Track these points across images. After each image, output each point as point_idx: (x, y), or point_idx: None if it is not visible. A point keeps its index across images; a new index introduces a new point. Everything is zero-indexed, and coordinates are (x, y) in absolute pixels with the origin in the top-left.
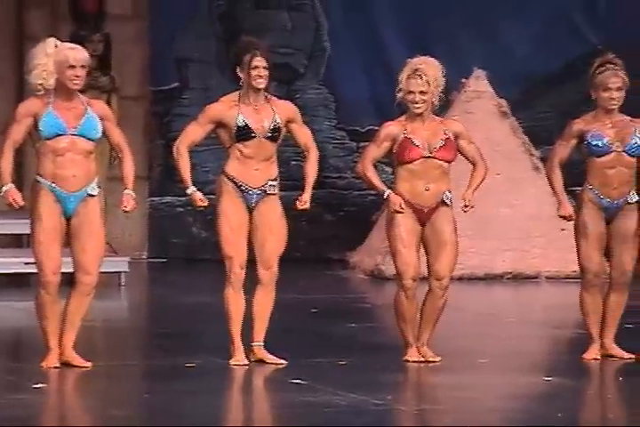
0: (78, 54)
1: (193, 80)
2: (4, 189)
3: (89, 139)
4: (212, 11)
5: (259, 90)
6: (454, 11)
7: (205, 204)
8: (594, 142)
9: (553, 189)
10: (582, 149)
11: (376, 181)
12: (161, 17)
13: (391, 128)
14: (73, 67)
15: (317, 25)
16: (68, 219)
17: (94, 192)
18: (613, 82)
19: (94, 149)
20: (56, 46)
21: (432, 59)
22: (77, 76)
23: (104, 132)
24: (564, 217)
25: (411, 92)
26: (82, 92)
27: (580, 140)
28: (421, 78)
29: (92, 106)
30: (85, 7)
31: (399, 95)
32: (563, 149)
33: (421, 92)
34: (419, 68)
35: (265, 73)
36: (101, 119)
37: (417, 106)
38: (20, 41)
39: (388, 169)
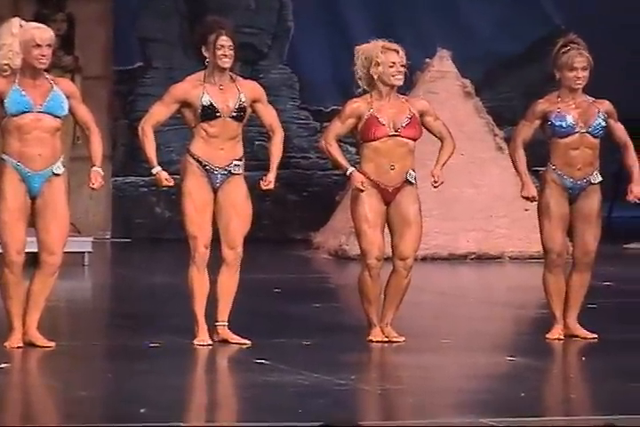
0: (44, 34)
1: (156, 60)
2: None
3: (55, 116)
4: None
5: (224, 69)
6: None
7: (171, 183)
8: (557, 123)
9: (516, 169)
10: (546, 129)
11: (339, 156)
12: None
13: (357, 105)
14: (39, 46)
15: (281, 5)
16: (33, 198)
17: (59, 171)
18: (579, 61)
19: (61, 127)
20: (21, 26)
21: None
22: (43, 56)
23: (70, 110)
24: (527, 198)
25: (393, 63)
26: (46, 71)
27: (543, 121)
28: (397, 52)
29: (59, 84)
30: None
31: (378, 70)
32: (526, 130)
33: (401, 64)
34: (385, 44)
35: (230, 52)
36: (67, 97)
37: (399, 77)
38: None
39: (352, 149)
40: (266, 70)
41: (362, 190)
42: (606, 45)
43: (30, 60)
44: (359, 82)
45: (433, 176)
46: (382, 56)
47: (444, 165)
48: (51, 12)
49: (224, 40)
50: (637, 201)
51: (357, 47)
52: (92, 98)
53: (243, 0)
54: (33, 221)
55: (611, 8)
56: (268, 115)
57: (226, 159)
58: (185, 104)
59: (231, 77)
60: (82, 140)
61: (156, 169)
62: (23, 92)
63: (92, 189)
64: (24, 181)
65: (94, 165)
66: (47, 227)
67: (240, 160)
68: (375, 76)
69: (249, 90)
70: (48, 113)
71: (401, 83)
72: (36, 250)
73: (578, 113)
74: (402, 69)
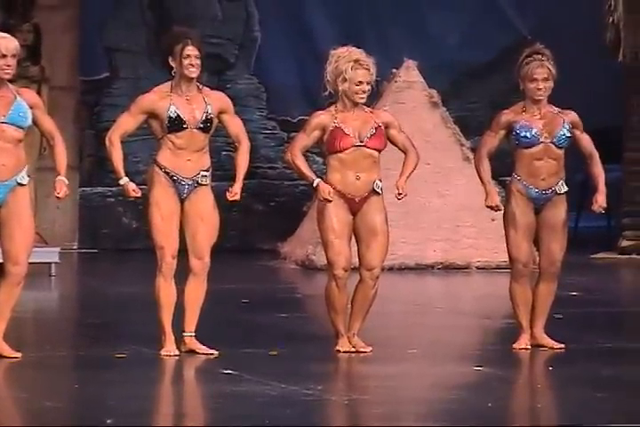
0: (9, 44)
1: (123, 70)
2: None
3: (18, 126)
4: None
5: (191, 79)
6: (385, 0)
7: (138, 194)
8: (522, 133)
9: (481, 179)
10: (510, 139)
11: (305, 169)
12: (90, 6)
13: (322, 117)
14: (4, 56)
15: (248, 15)
16: None
17: (24, 181)
18: (539, 73)
19: (24, 138)
20: None
21: (357, 49)
22: (8, 66)
23: (34, 121)
24: (490, 207)
25: (360, 82)
26: (11, 81)
27: (508, 131)
28: (368, 70)
29: (22, 94)
30: None
31: (344, 86)
32: (491, 140)
33: (368, 82)
34: (359, 58)
35: (197, 62)
36: (31, 107)
37: (363, 96)
38: None
39: (319, 159)
40: (233, 80)
41: (329, 201)
42: (572, 54)
43: None
44: (327, 85)
45: (397, 188)
46: (351, 73)
47: (408, 177)
48: (17, 22)
49: (190, 50)
50: (602, 211)
51: (333, 51)
52: (59, 108)
53: (209, 10)
54: None
55: (575, 17)
56: (235, 125)
57: (193, 170)
58: (152, 115)
59: (198, 88)
60: (48, 150)
61: (124, 180)
62: None
63: (58, 198)
64: None
65: (59, 175)
66: (12, 237)
67: (207, 171)
68: (340, 90)
69: (216, 101)
70: (11, 124)
71: (364, 101)
72: (0, 260)
73: (542, 123)
74: (367, 89)
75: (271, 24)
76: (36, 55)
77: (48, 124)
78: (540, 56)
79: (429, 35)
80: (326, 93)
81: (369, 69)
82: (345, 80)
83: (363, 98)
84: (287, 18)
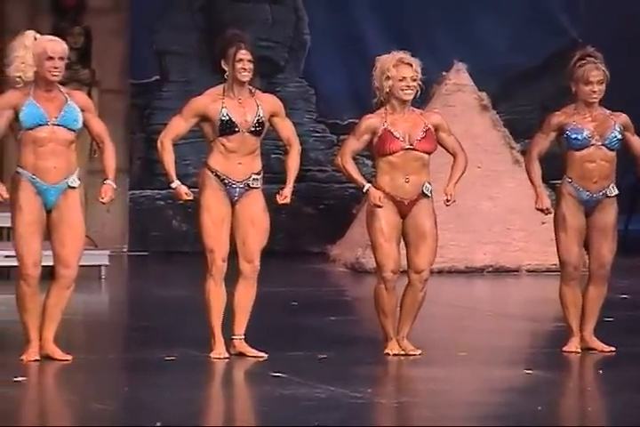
0: (56, 46)
1: (173, 73)
2: None
3: (70, 129)
4: (192, 3)
5: (243, 83)
6: (434, 4)
7: (190, 197)
8: (573, 136)
9: (531, 181)
10: (562, 141)
11: (355, 173)
12: (141, 9)
13: (371, 120)
14: (51, 58)
15: (297, 18)
16: (49, 211)
17: (75, 184)
18: (595, 75)
19: (75, 140)
20: (35, 39)
21: (401, 51)
22: (56, 68)
23: (85, 123)
24: (541, 210)
25: (403, 78)
26: (62, 84)
27: (559, 133)
28: (411, 66)
29: (73, 96)
30: (65, 1)
31: (388, 84)
32: (542, 142)
33: (413, 79)
34: (402, 57)
35: (250, 66)
36: (82, 110)
37: (409, 92)
38: (1, 35)
39: (369, 162)
40: (282, 84)
41: (379, 206)
42: (623, 59)
43: (43, 73)
44: (376, 92)
45: (446, 194)
46: (393, 70)
47: (456, 182)
48: (68, 25)
49: (243, 54)
50: None
51: (378, 57)
52: (109, 111)
53: (260, 13)
54: (49, 234)
55: (627, 21)
56: (286, 128)
57: (244, 173)
58: (204, 118)
59: (250, 91)
60: (98, 153)
61: (176, 183)
62: (38, 105)
63: (102, 202)
64: (40, 194)
65: (107, 179)
66: (62, 240)
67: (258, 174)
68: (386, 90)
69: (267, 104)
70: (63, 126)
71: (410, 97)
72: (52, 263)
73: (594, 126)
74: (412, 84)
75: (320, 27)
76: (87, 58)
77: (98, 127)
78: (593, 59)
79: (479, 38)
80: (376, 100)
81: (412, 66)
82: (388, 78)
83: (409, 94)
84: (336, 21)
